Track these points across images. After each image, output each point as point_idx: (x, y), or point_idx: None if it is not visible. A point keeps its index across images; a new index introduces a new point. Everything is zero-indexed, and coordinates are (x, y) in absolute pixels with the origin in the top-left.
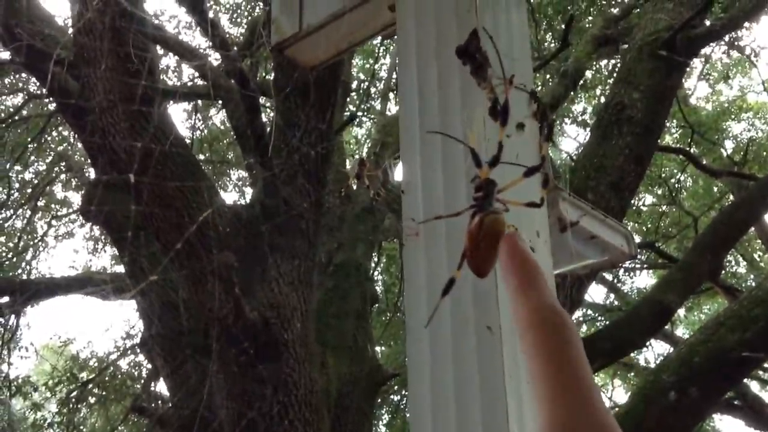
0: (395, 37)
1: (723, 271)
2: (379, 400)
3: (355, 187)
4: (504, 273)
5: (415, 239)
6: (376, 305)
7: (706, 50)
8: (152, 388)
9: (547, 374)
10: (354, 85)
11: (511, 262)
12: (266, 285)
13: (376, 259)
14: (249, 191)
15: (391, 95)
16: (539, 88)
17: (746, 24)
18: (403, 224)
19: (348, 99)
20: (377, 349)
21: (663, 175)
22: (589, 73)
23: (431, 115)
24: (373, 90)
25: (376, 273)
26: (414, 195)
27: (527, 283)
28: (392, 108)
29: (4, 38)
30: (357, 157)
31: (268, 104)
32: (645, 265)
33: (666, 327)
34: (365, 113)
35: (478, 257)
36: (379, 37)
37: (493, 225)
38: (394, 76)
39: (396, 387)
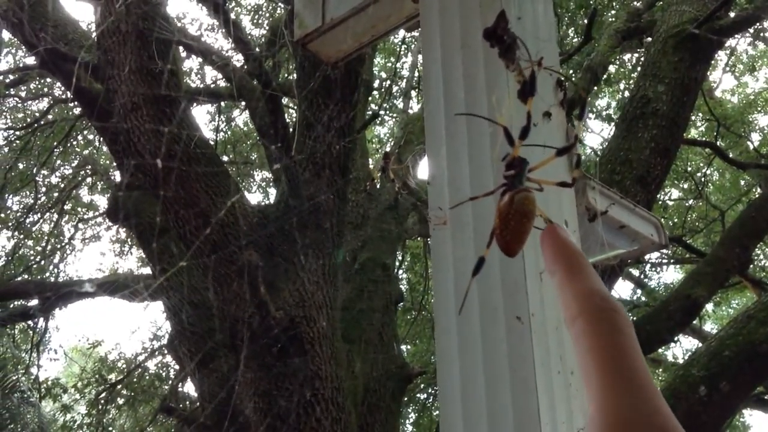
0: (416, 31)
1: (751, 265)
2: (406, 399)
3: (378, 185)
4: (548, 263)
5: (443, 228)
6: (401, 303)
7: (731, 42)
8: (180, 389)
9: (598, 362)
10: (376, 83)
11: (555, 252)
12: (291, 283)
13: (400, 258)
14: (273, 192)
15: (413, 93)
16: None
17: None
18: (430, 214)
19: (370, 98)
20: (403, 347)
21: (689, 168)
22: (612, 68)
23: (457, 106)
24: (395, 88)
25: (400, 271)
26: (440, 185)
27: (573, 270)
28: (414, 106)
29: (29, 43)
30: (382, 151)
31: (290, 104)
32: (672, 260)
33: (694, 322)
34: (387, 111)
35: (507, 235)
36: (401, 35)
37: (524, 202)
38: (416, 74)
39: (422, 385)
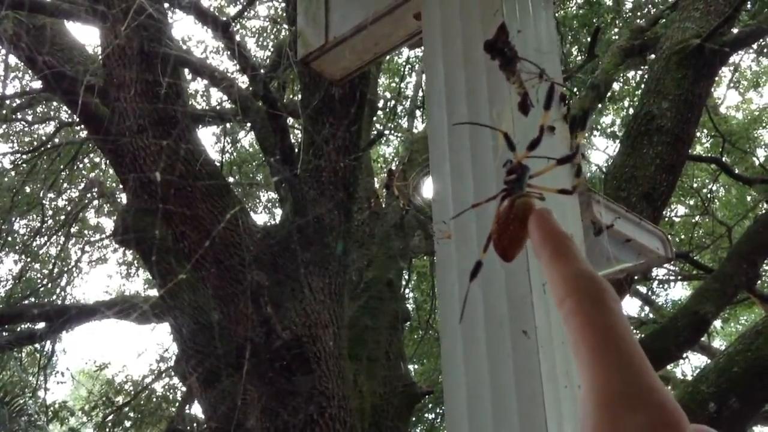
0: (420, 49)
1: (759, 281)
2: (414, 419)
3: (383, 204)
4: (536, 246)
5: (447, 242)
6: (408, 323)
7: (734, 58)
8: (187, 411)
9: (588, 341)
10: (380, 103)
11: (542, 234)
12: (297, 302)
13: (406, 277)
14: (279, 212)
15: (418, 113)
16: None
17: None
18: (434, 228)
19: (374, 118)
20: (410, 366)
21: (695, 185)
22: (616, 85)
23: (460, 121)
24: (399, 108)
25: (407, 290)
26: (445, 199)
27: (560, 252)
28: (419, 126)
29: (34, 67)
30: (386, 169)
31: (295, 125)
32: (679, 276)
33: (703, 339)
34: (392, 131)
35: (506, 239)
36: (404, 55)
37: (523, 207)
38: (420, 93)
39: (430, 405)
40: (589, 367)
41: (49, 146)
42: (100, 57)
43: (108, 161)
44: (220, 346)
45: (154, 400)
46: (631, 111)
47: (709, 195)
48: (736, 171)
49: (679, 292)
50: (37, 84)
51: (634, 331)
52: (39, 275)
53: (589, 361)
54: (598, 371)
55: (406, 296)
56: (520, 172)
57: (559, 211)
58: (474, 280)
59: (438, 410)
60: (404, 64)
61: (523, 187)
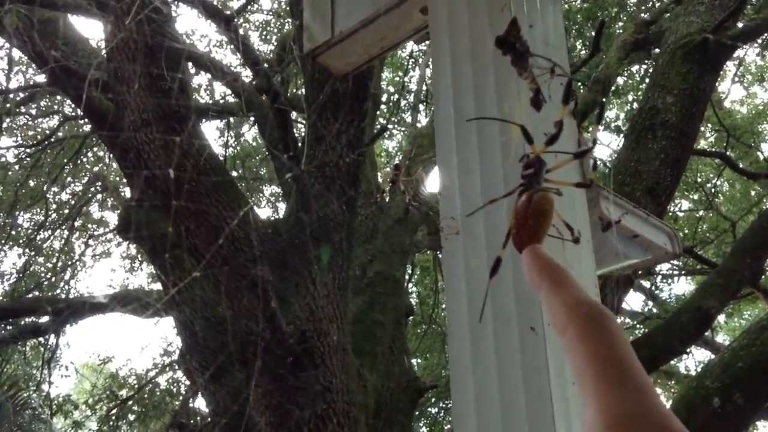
0: (424, 44)
1: (763, 275)
2: (417, 413)
3: (387, 198)
4: (533, 280)
5: (455, 238)
6: (412, 317)
7: (739, 52)
8: (191, 404)
9: (591, 366)
10: (384, 98)
11: (537, 268)
12: (302, 297)
13: (409, 271)
14: (282, 206)
15: (422, 107)
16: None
17: None
18: (442, 224)
19: (378, 112)
20: (413, 361)
21: (699, 179)
22: (621, 79)
23: (467, 116)
24: (403, 102)
25: (410, 285)
26: (452, 195)
27: (558, 283)
28: (423, 120)
29: (38, 61)
30: (392, 164)
31: (299, 120)
32: (683, 271)
33: (706, 334)
34: (395, 125)
35: (524, 234)
36: (408, 49)
37: (541, 201)
38: (424, 87)
39: (433, 399)
40: (593, 392)
41: (53, 140)
42: (104, 51)
43: (112, 155)
44: (225, 340)
45: (158, 393)
46: (635, 105)
47: (713, 190)
48: (741, 165)
49: (683, 287)
50: (41, 78)
51: (638, 326)
52: (43, 269)
53: (592, 385)
54: (602, 395)
55: (409, 291)
56: (537, 166)
57: (569, 207)
58: (494, 276)
59: (441, 404)
60: (408, 58)
61: (540, 181)
